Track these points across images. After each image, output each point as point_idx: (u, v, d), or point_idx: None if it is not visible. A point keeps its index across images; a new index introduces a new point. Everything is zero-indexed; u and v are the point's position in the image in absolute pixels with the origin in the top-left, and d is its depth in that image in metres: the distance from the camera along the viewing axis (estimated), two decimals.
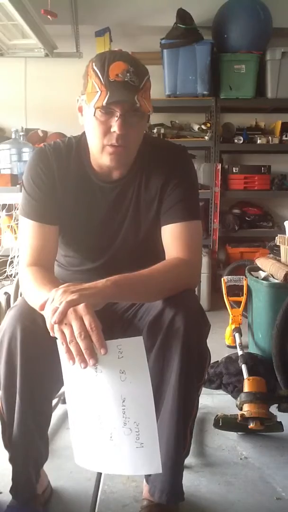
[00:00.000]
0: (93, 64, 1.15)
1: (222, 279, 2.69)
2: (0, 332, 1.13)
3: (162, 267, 1.17)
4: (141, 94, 1.13)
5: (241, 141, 3.62)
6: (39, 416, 1.18)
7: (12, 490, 1.21)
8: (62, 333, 0.98)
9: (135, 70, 1.12)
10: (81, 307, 0.98)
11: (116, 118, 1.14)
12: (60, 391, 1.56)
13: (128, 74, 1.11)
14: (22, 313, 1.13)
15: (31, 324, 1.11)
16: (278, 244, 2.37)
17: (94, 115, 1.15)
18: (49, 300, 1.02)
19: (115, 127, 1.14)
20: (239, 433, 1.70)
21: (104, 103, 1.11)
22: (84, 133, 1.28)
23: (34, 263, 1.23)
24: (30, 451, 1.19)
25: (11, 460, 1.20)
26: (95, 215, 1.30)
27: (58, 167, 1.27)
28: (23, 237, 1.27)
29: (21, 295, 1.70)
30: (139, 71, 1.14)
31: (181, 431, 1.15)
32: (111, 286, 1.05)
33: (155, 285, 1.14)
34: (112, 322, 1.32)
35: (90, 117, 1.17)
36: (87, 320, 0.97)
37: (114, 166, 1.23)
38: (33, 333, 1.10)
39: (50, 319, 0.99)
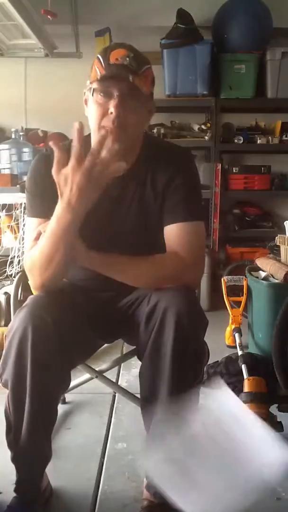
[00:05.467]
0: (98, 53, 1.19)
1: (222, 279, 2.68)
2: (9, 333, 1.13)
3: (152, 256, 1.21)
4: (139, 78, 1.16)
5: (241, 141, 3.61)
6: (47, 416, 1.18)
7: (16, 490, 1.21)
8: None
9: (134, 56, 1.16)
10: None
11: (113, 100, 1.16)
12: None
13: (127, 59, 1.15)
14: (32, 313, 1.12)
15: (42, 324, 1.10)
16: (278, 244, 2.37)
17: (93, 95, 1.18)
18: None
19: (111, 108, 1.16)
20: None
21: (98, 77, 1.15)
22: (89, 134, 1.29)
23: None
24: (38, 451, 1.19)
25: (14, 459, 1.20)
26: (97, 211, 1.30)
27: None
28: (27, 237, 1.28)
29: (21, 295, 1.71)
30: (139, 58, 1.18)
31: None
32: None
33: (138, 267, 1.19)
34: (113, 320, 1.33)
35: (91, 102, 1.21)
36: None
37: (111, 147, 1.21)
38: (44, 333, 1.10)
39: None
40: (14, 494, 1.22)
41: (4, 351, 1.13)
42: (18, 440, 1.16)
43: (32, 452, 1.18)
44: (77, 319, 1.22)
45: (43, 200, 1.27)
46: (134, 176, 1.29)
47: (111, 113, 1.16)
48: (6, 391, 1.16)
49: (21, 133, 3.37)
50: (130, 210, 1.30)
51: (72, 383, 1.61)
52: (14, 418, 1.15)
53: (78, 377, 1.61)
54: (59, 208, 1.11)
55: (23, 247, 2.39)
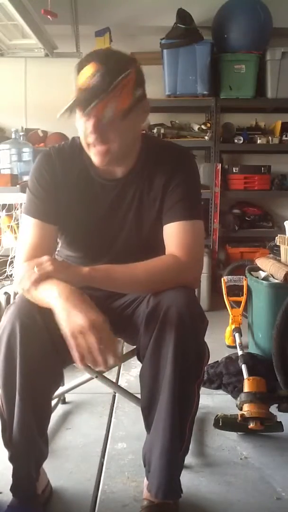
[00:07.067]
0: (76, 68, 1.16)
1: (222, 279, 2.68)
2: None
3: (148, 261, 1.19)
4: (111, 95, 1.10)
5: (241, 141, 3.61)
6: (39, 413, 1.18)
7: (12, 489, 1.21)
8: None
9: (107, 71, 1.10)
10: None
11: (90, 121, 1.14)
12: (59, 391, 1.57)
13: (97, 75, 1.10)
14: (20, 310, 1.13)
15: (30, 321, 1.11)
16: (278, 244, 2.37)
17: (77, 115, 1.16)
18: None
19: (88, 129, 1.15)
20: (239, 433, 1.70)
21: (70, 110, 1.12)
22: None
23: (29, 260, 1.23)
24: (31, 449, 1.19)
25: (11, 459, 1.20)
26: (96, 213, 1.31)
27: (61, 168, 1.29)
28: (22, 234, 1.29)
29: None
30: (112, 71, 1.10)
31: (176, 425, 1.15)
32: (89, 270, 1.13)
33: (135, 276, 1.17)
34: (111, 320, 1.33)
35: (77, 114, 1.19)
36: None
37: (102, 165, 1.22)
38: (32, 330, 1.11)
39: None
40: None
41: None
42: (12, 438, 1.16)
43: (25, 449, 1.18)
44: None
45: (41, 202, 1.27)
46: (134, 177, 1.29)
47: (91, 132, 1.16)
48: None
49: (21, 133, 3.37)
50: (129, 212, 1.30)
51: (72, 383, 1.61)
52: (7, 415, 1.16)
53: (78, 377, 1.61)
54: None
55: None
